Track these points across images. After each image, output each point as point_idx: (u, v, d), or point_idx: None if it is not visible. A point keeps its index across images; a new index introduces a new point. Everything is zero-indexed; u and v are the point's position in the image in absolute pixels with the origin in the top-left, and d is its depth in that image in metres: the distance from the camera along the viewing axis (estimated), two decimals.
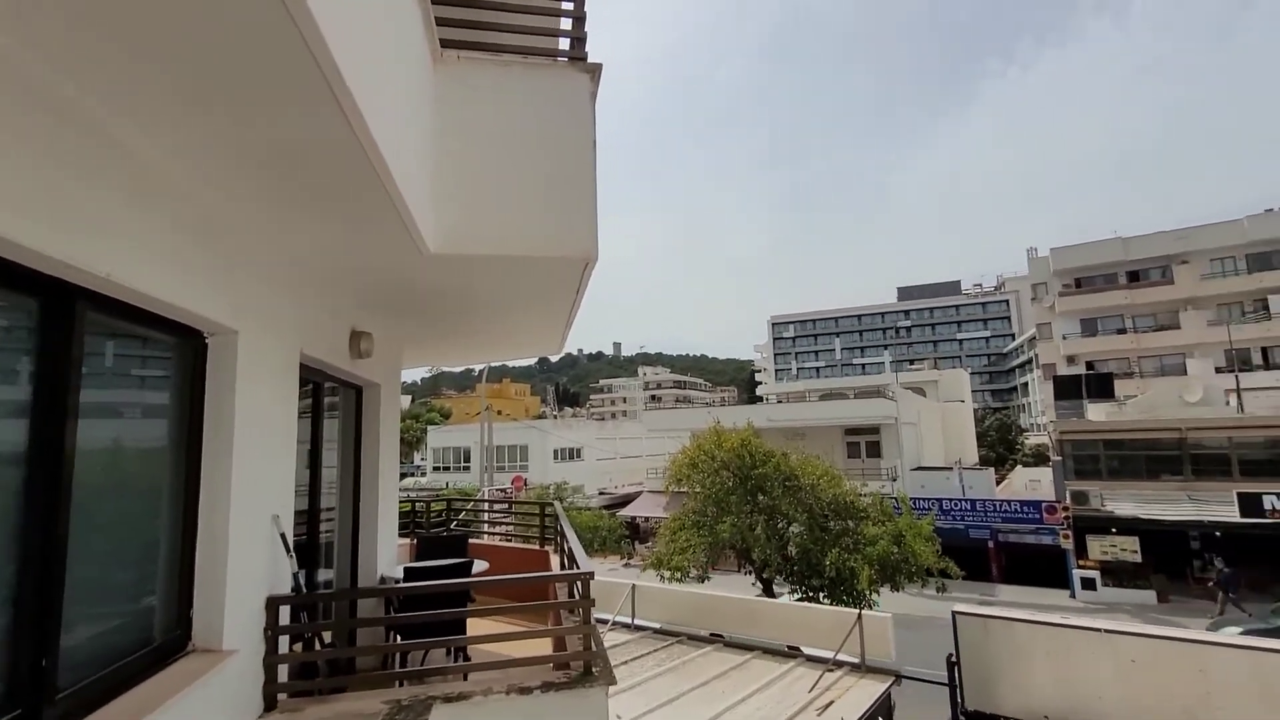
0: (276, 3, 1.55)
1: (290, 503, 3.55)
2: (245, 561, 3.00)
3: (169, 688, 2.43)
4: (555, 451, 40.09)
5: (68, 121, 1.95)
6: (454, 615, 4.13)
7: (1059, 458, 24.59)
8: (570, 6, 4.00)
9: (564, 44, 4.18)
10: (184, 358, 2.84)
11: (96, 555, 2.34)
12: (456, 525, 10.19)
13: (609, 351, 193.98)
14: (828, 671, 8.20)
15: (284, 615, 3.32)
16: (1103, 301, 40.78)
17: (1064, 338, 41.89)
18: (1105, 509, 22.66)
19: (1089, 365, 38.72)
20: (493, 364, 21.23)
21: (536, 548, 7.80)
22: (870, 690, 7.73)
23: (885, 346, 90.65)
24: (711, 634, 9.78)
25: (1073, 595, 22.58)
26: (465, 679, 3.87)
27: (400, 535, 6.92)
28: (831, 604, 13.35)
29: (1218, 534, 21.04)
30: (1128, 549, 21.94)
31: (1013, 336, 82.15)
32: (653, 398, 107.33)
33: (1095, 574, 22.24)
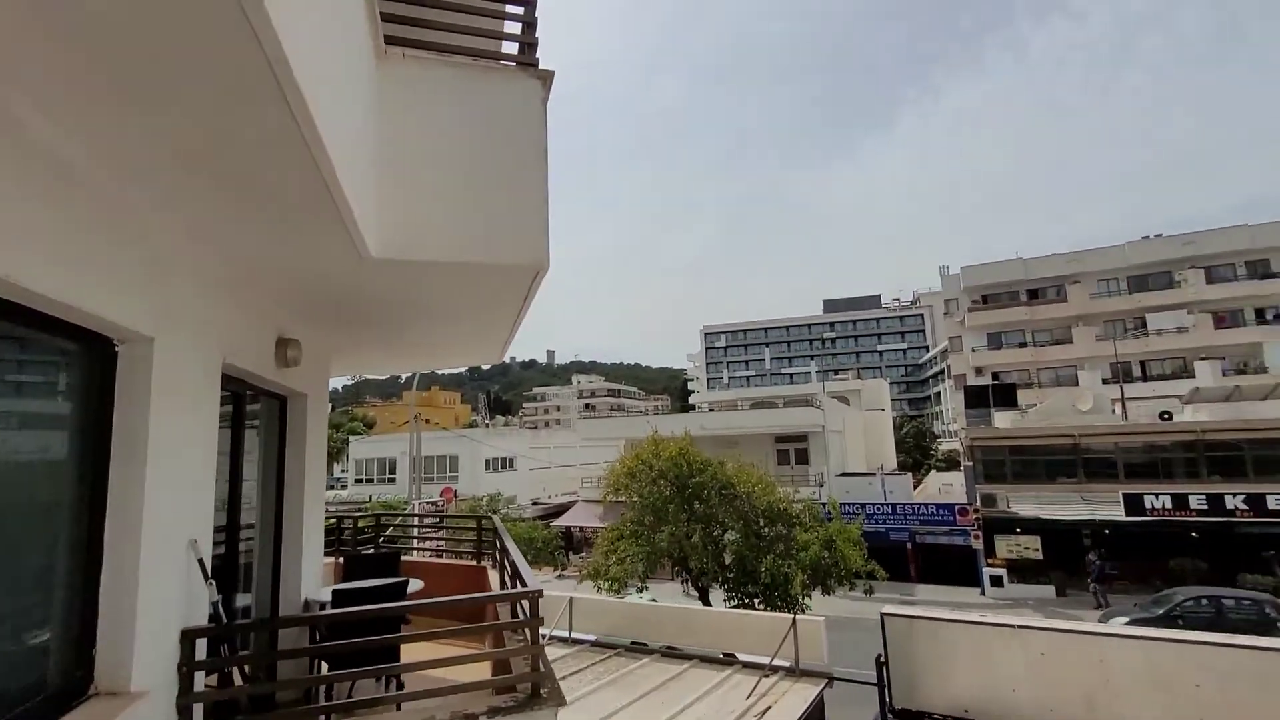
0: None
1: (209, 526, 3.26)
2: (158, 591, 2.71)
3: None
4: (487, 462, 39.11)
5: None
6: (386, 642, 3.89)
7: (969, 463, 26.22)
8: (521, 11, 3.92)
9: (508, 47, 4.09)
10: (89, 367, 2.55)
11: None
12: (385, 541, 9.72)
13: (542, 359, 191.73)
14: (764, 677, 8.33)
15: (200, 649, 3.03)
16: (1006, 317, 44.01)
17: (973, 350, 44.89)
18: (1011, 510, 24.33)
19: (995, 376, 41.58)
20: (421, 372, 20.47)
21: (473, 563, 7.53)
22: (805, 694, 7.91)
23: (812, 357, 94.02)
24: (633, 642, 9.76)
25: (983, 592, 24.05)
26: (399, 709, 3.66)
27: (325, 554, 6.51)
28: (766, 609, 13.62)
29: (1106, 531, 23.01)
30: (1031, 548, 23.62)
31: (927, 348, 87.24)
32: (587, 406, 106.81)
33: (1003, 571, 23.79)
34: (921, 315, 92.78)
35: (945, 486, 33.78)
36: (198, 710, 3.00)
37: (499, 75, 3.57)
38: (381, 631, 4.01)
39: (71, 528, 2.47)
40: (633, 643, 9.69)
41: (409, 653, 4.36)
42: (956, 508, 26.01)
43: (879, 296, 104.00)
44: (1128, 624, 14.99)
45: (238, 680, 3.48)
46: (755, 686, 8.07)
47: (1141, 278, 40.85)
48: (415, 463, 19.78)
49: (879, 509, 26.95)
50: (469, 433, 44.58)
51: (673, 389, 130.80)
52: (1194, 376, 34.08)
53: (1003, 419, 28.96)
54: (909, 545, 26.41)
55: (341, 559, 6.98)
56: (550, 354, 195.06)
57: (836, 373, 71.31)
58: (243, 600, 4.45)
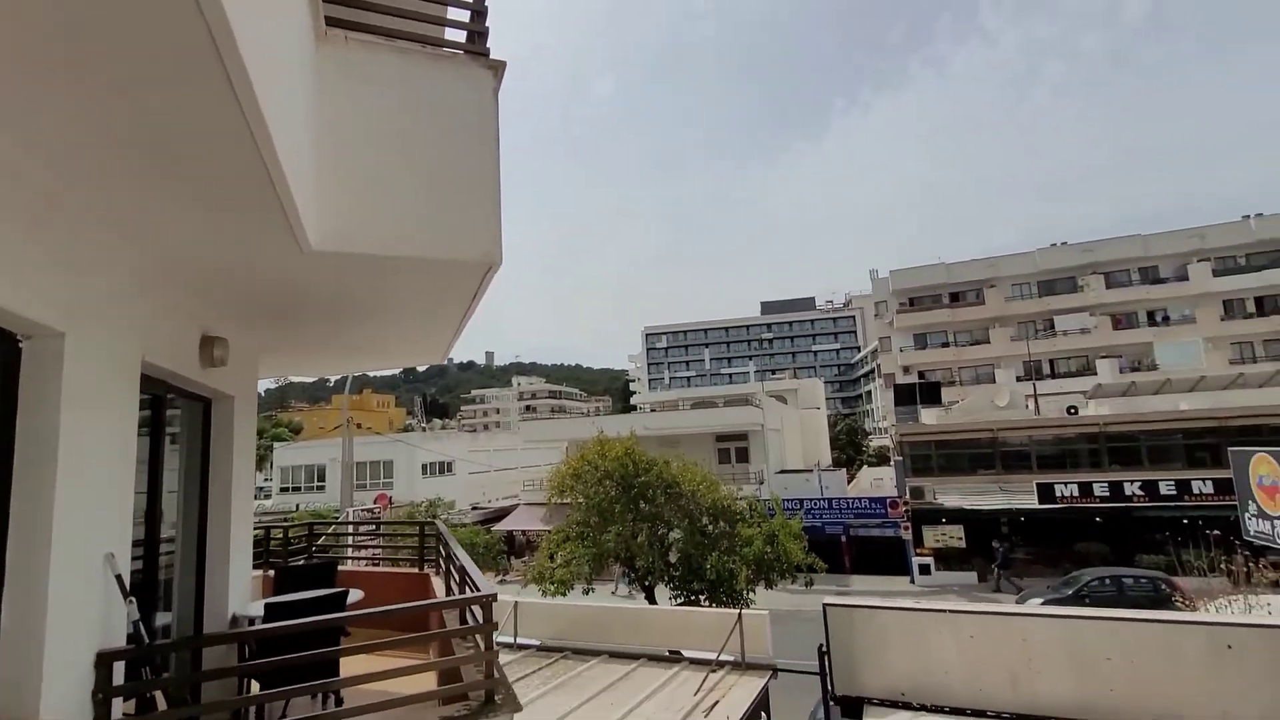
0: None
1: (128, 539, 2.99)
2: (70, 611, 2.46)
3: None
4: (424, 466, 37.93)
5: None
6: (322, 656, 3.67)
7: (899, 457, 27.47)
8: None
9: (456, 35, 3.97)
10: None
11: None
12: (318, 551, 9.24)
13: (481, 361, 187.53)
14: (711, 672, 8.43)
15: (119, 672, 2.78)
16: (931, 319, 46.44)
17: (901, 350, 47.11)
18: (937, 502, 25.64)
19: (921, 375, 43.76)
20: (355, 373, 19.64)
21: (416, 571, 7.27)
22: (751, 687, 8.06)
23: (750, 357, 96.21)
24: (569, 649, 9.68)
25: (912, 580, 25.23)
26: None
27: (253, 567, 6.12)
28: (713, 605, 13.80)
29: (1022, 519, 24.59)
30: (955, 537, 24.97)
31: (859, 349, 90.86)
32: (527, 408, 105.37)
33: (930, 560, 25.04)
34: (853, 317, 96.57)
35: (876, 481, 35.27)
36: None
37: (448, 63, 3.45)
38: (319, 645, 3.79)
39: None
40: (571, 649, 9.61)
41: (349, 667, 4.13)
42: (888, 500, 27.18)
43: (814, 299, 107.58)
44: (1043, 604, 16.08)
45: (161, 705, 3.20)
46: (703, 682, 8.16)
47: (1049, 282, 43.97)
48: (347, 469, 18.93)
49: (815, 504, 27.83)
50: (405, 437, 43.12)
51: (614, 390, 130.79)
52: (1096, 374, 37.00)
53: (929, 415, 30.51)
54: (844, 538, 27.39)
55: (271, 572, 6.59)
56: (489, 355, 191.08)
57: (774, 372, 73.26)
58: (164, 619, 4.12)
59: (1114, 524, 23.06)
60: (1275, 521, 6.36)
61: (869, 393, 79.21)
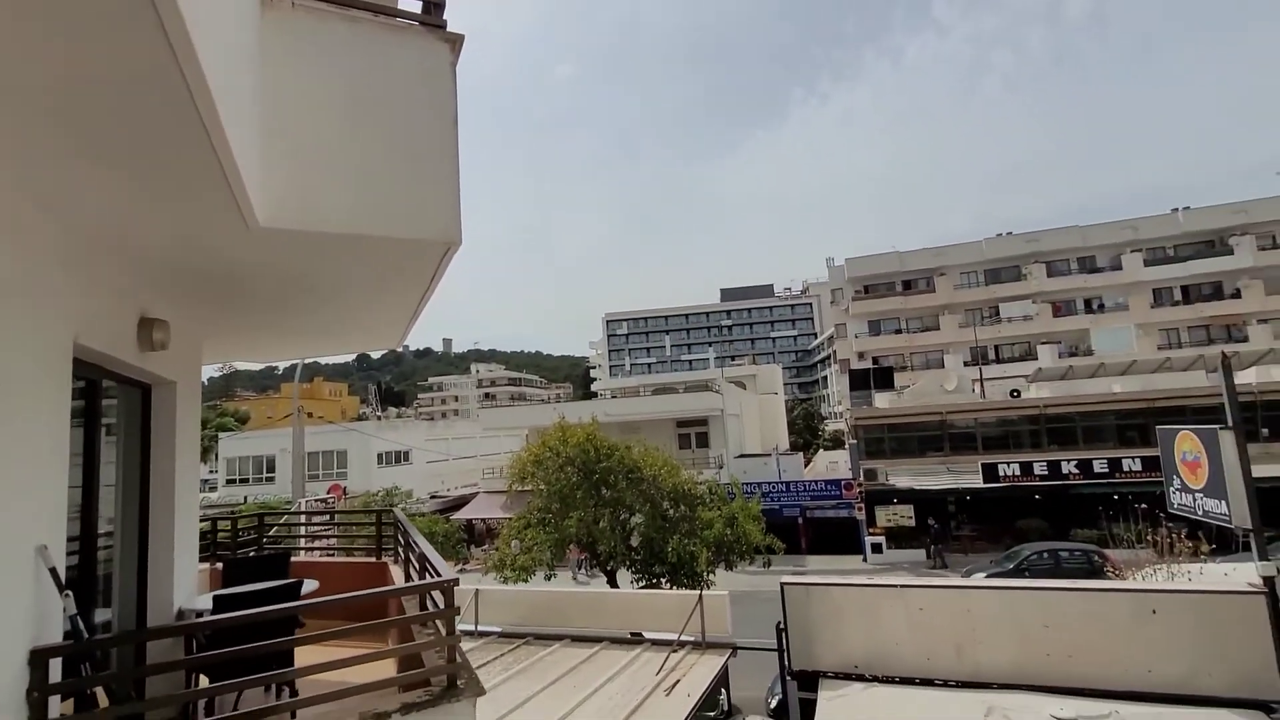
0: None
1: (61, 530, 2.83)
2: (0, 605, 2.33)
3: None
4: (380, 456, 37.10)
5: None
6: (275, 647, 3.56)
7: (854, 441, 28.28)
8: None
9: (406, 3, 3.83)
10: None
11: None
12: (269, 543, 8.96)
13: (438, 348, 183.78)
14: (673, 652, 8.58)
15: (55, 670, 2.64)
16: (884, 306, 47.74)
17: (856, 337, 48.33)
18: (889, 483, 26.54)
19: (875, 360, 45.01)
20: (306, 360, 18.98)
21: (374, 560, 7.13)
22: (711, 665, 8.24)
23: (710, 344, 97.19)
24: (531, 634, 9.70)
25: (865, 559, 26.13)
26: (293, 717, 3.40)
27: (200, 560, 5.89)
28: (674, 588, 13.99)
29: (967, 498, 25.71)
30: (905, 516, 25.93)
31: (816, 335, 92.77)
32: (487, 395, 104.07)
33: (882, 539, 25.95)
34: (811, 304, 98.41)
35: (832, 464, 36.26)
36: None
37: (403, 35, 3.33)
38: (272, 637, 3.68)
39: None
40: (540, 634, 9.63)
41: (304, 658, 4.02)
42: (842, 483, 27.98)
43: (772, 286, 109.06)
44: (986, 578, 16.87)
45: (103, 703, 3.06)
46: (664, 662, 8.30)
47: (995, 271, 45.71)
48: (299, 459, 18.34)
49: (774, 487, 28.45)
50: (359, 426, 42.07)
51: (575, 377, 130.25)
52: (1037, 359, 38.75)
53: (882, 400, 31.45)
54: (800, 520, 28.11)
55: (220, 564, 6.37)
56: (447, 342, 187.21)
57: (734, 359, 74.15)
58: (104, 615, 3.93)
59: (1052, 501, 24.34)
60: (1196, 494, 6.79)
61: (825, 378, 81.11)
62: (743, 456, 31.78)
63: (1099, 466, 23.69)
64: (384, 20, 3.32)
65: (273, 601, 4.02)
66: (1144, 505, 10.88)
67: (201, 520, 7.90)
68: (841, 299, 50.37)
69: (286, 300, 4.42)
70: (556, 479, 15.30)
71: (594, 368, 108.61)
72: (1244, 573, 6.60)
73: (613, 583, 15.68)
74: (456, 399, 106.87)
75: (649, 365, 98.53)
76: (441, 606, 3.46)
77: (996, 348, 44.93)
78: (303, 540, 10.26)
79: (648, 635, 9.18)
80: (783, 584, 8.32)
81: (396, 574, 6.42)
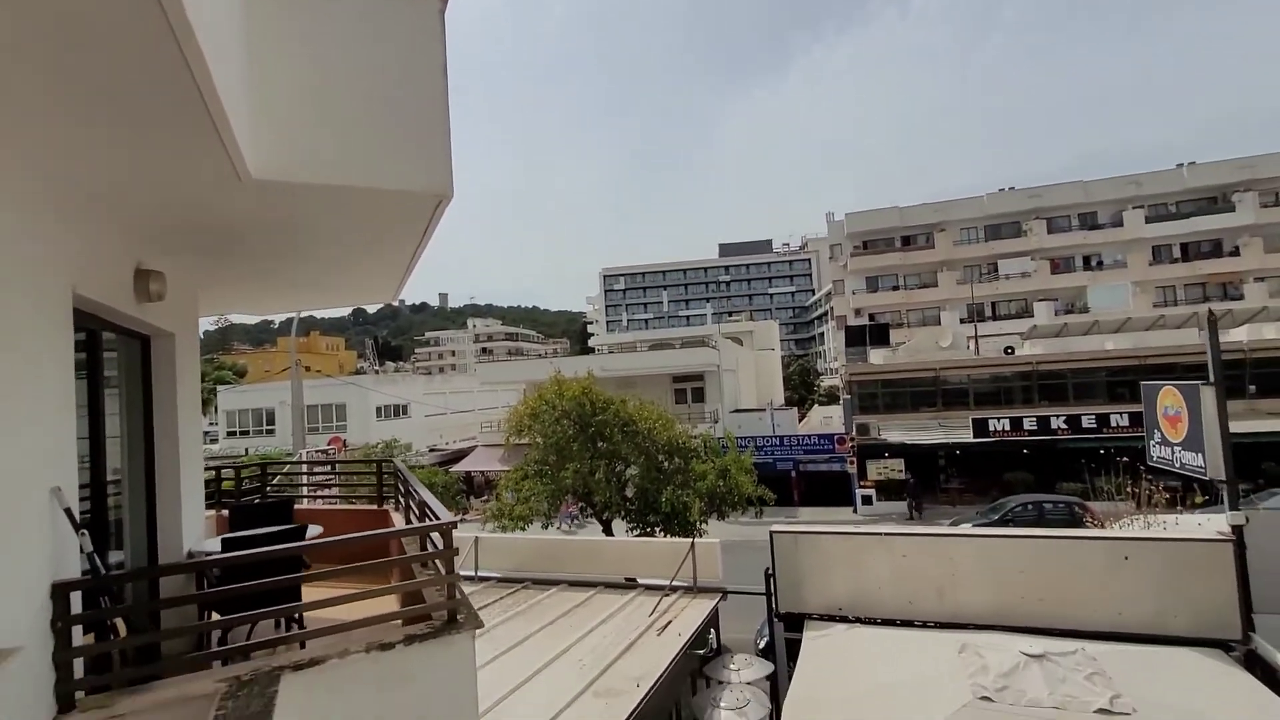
0: None
1: (73, 473, 2.94)
2: (20, 544, 2.45)
3: None
4: (379, 409, 37.44)
5: None
6: (284, 583, 3.76)
7: (848, 396, 28.61)
8: None
9: None
10: None
11: None
12: (271, 492, 9.18)
13: (434, 303, 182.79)
14: (665, 596, 8.93)
15: (76, 603, 2.80)
16: (883, 262, 47.44)
17: (853, 293, 48.19)
18: (881, 438, 26.99)
19: (871, 317, 45.09)
20: (302, 314, 18.96)
21: (375, 508, 7.34)
22: (702, 608, 8.59)
23: (707, 299, 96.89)
24: (529, 579, 10.04)
25: (855, 510, 26.79)
26: (303, 647, 3.60)
27: (205, 507, 6.07)
28: (667, 537, 14.41)
29: (957, 452, 26.21)
30: (896, 469, 26.48)
31: (814, 292, 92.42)
32: (483, 350, 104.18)
33: (872, 491, 26.58)
34: (809, 260, 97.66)
35: (826, 419, 36.78)
36: (79, 666, 2.80)
37: None
38: (279, 574, 3.86)
39: None
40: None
41: (310, 596, 4.23)
42: (835, 437, 28.45)
43: (770, 241, 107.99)
44: (971, 528, 17.39)
45: (122, 635, 3.25)
46: (657, 605, 8.65)
47: (996, 227, 45.29)
48: (298, 412, 18.53)
49: (768, 441, 28.92)
50: (357, 379, 42.26)
51: (572, 332, 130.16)
52: (1033, 316, 38.83)
53: (877, 356, 31.66)
54: (793, 473, 28.69)
55: (225, 511, 6.56)
56: (443, 297, 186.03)
57: (731, 314, 74.09)
58: (116, 558, 4.10)
59: (1040, 455, 24.85)
60: (1175, 448, 7.00)
61: (822, 335, 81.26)
62: (738, 411, 32.17)
63: (1087, 422, 24.09)
64: None
65: (279, 544, 4.19)
66: (1125, 459, 11.16)
67: (205, 470, 8.09)
68: (840, 255, 49.99)
69: (280, 252, 4.43)
70: (553, 431, 15.56)
71: (591, 323, 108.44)
72: (1217, 523, 6.86)
73: (608, 532, 16.13)
74: (454, 354, 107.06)
75: (646, 321, 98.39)
76: (441, 548, 3.63)
77: (994, 305, 44.95)
78: (305, 490, 10.49)
79: (641, 580, 9.53)
80: (772, 532, 8.62)
81: (397, 520, 6.63)
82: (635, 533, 15.43)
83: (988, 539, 7.75)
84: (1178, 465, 7.19)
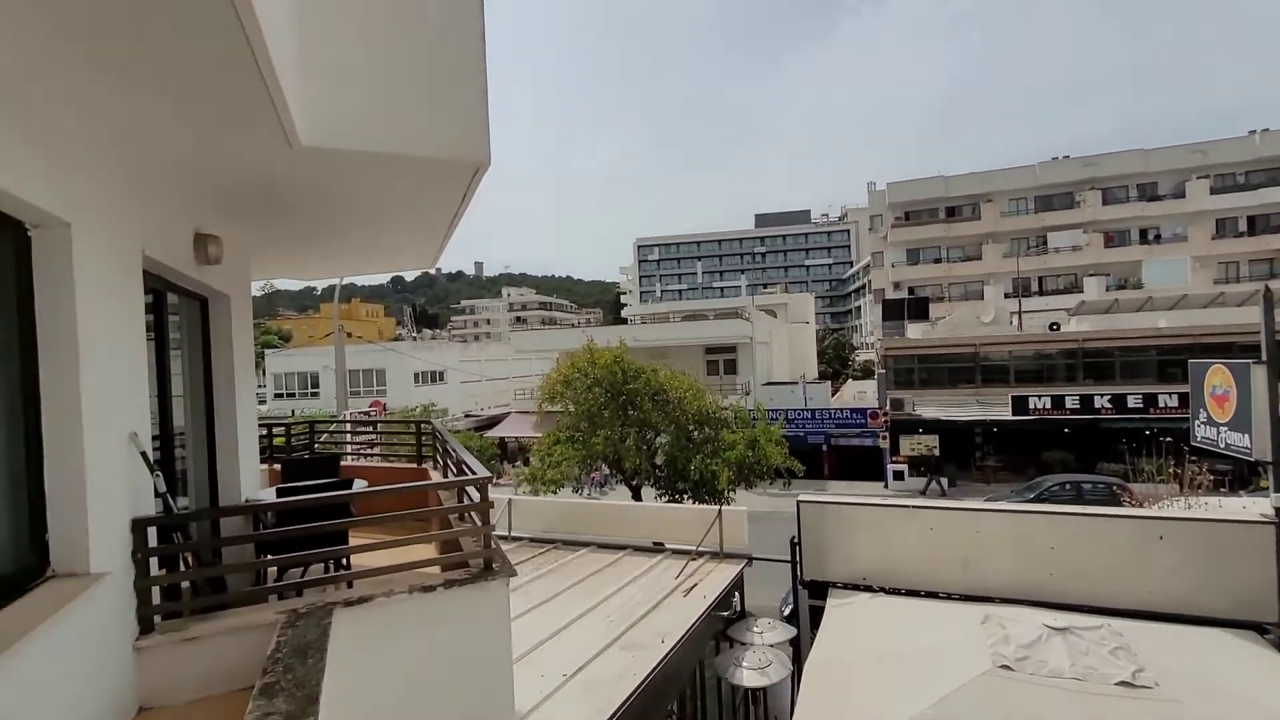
0: None
1: (147, 420, 3.22)
2: (105, 481, 2.72)
3: (33, 614, 2.23)
4: (416, 375, 38.45)
5: None
6: (334, 527, 4.06)
7: (883, 371, 28.18)
8: None
9: None
10: (2, 253, 2.40)
11: None
12: (319, 449, 9.66)
13: (470, 271, 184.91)
14: (691, 560, 9.16)
15: (152, 538, 3.09)
16: (925, 233, 45.99)
17: (893, 265, 46.97)
18: (915, 413, 26.61)
19: (911, 290, 43.97)
20: (343, 281, 19.52)
21: (414, 466, 7.69)
22: (727, 573, 8.79)
23: (742, 271, 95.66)
24: (560, 540, 10.36)
25: (886, 486, 26.63)
26: (350, 587, 3.88)
27: (259, 461, 6.46)
28: (695, 504, 14.65)
29: (995, 430, 25.69)
30: (929, 445, 26.14)
31: (851, 264, 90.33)
32: (518, 319, 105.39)
33: (904, 467, 26.33)
34: (848, 231, 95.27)
35: (860, 394, 36.33)
36: (155, 594, 3.10)
37: None
38: (329, 520, 4.15)
39: (5, 417, 2.41)
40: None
41: (355, 543, 4.54)
42: (868, 412, 28.15)
43: (809, 212, 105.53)
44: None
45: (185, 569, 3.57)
46: (683, 568, 8.88)
47: (1047, 197, 43.34)
48: (341, 376, 19.23)
49: (799, 414, 28.81)
50: (396, 346, 43.38)
51: (605, 302, 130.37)
52: (1082, 291, 37.33)
53: (915, 330, 30.99)
54: (824, 447, 28.58)
55: (278, 465, 6.96)
56: (479, 266, 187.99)
57: (765, 286, 73.13)
58: (182, 503, 4.44)
59: (1081, 435, 24.19)
60: (1221, 428, 6.80)
61: (859, 308, 79.64)
62: (770, 384, 32.04)
63: (1134, 402, 23.29)
64: None
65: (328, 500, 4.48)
66: (1169, 439, 10.84)
67: (258, 428, 8.55)
68: (880, 226, 48.64)
69: (325, 218, 4.63)
70: (585, 399, 15.83)
71: (624, 293, 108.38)
72: (1262, 507, 6.69)
73: (638, 498, 16.45)
74: (489, 322, 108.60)
75: (680, 292, 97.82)
76: (477, 500, 3.84)
77: (1040, 279, 43.31)
78: (349, 448, 10.99)
79: (669, 545, 9.77)
80: (799, 501, 8.72)
81: (436, 478, 6.94)
82: (664, 499, 15.71)
83: (1017, 514, 7.69)
84: (1222, 446, 6.99)
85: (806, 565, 8.51)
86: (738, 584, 8.94)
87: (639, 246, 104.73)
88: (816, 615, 7.73)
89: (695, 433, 15.91)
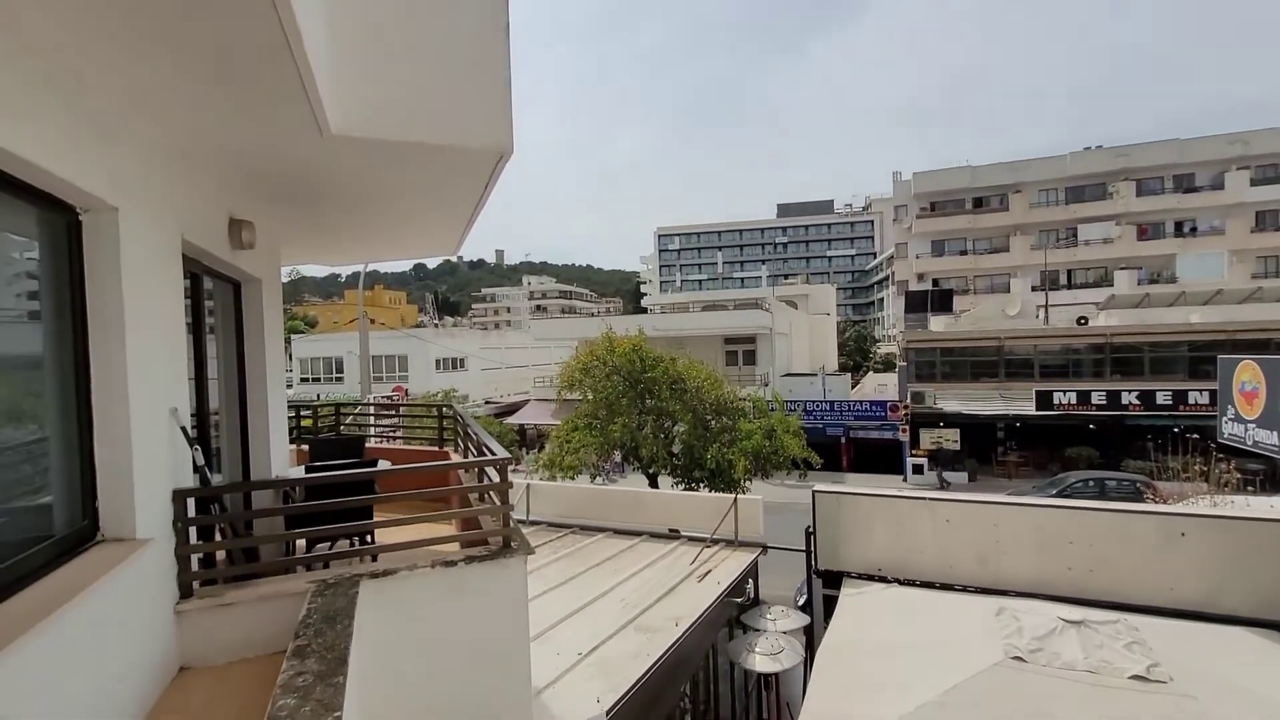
0: None
1: (186, 397, 3.38)
2: (149, 453, 2.88)
3: (86, 574, 2.39)
4: (438, 361, 38.97)
5: None
6: (360, 503, 4.22)
7: (904, 363, 27.89)
8: None
9: None
10: (55, 236, 2.54)
11: None
12: (345, 431, 9.91)
13: (491, 260, 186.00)
14: (706, 548, 9.26)
15: (190, 509, 3.26)
16: (951, 225, 45.17)
17: (917, 257, 46.25)
18: (937, 407, 26.33)
19: (935, 282, 43.30)
20: (368, 268, 19.84)
21: (436, 449, 7.88)
22: (742, 560, 8.88)
23: (763, 261, 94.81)
24: (577, 525, 10.50)
25: (905, 479, 26.45)
26: (375, 560, 4.04)
27: (289, 443, 6.68)
28: (711, 492, 14.74)
29: (1018, 424, 25.33)
30: (950, 439, 25.87)
31: (875, 255, 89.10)
32: (538, 308, 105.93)
33: (924, 460, 26.12)
34: (871, 221, 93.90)
35: (880, 386, 35.99)
36: (194, 561, 3.27)
37: None
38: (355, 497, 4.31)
39: (60, 391, 2.57)
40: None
41: (379, 519, 4.71)
42: (888, 404, 27.92)
43: (831, 202, 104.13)
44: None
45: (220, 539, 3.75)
46: (698, 555, 8.99)
47: (1078, 188, 42.26)
48: (365, 361, 19.61)
49: (818, 406, 28.67)
50: (418, 332, 43.95)
51: (625, 291, 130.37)
52: (1113, 285, 36.45)
53: (938, 323, 30.58)
54: (843, 439, 28.44)
55: (305, 446, 7.18)
56: (500, 254, 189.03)
57: (787, 277, 72.47)
58: (216, 480, 4.63)
59: (1106, 431, 23.75)
60: (1248, 425, 6.69)
61: (881, 300, 78.64)
62: (789, 375, 31.90)
63: (1163, 398, 22.79)
64: None
65: (354, 477, 4.65)
66: (1196, 435, 10.63)
67: (287, 409, 8.80)
68: (905, 216, 47.87)
69: (352, 205, 4.76)
70: (603, 387, 15.98)
71: (644, 283, 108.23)
72: None
73: (654, 485, 16.60)
74: (509, 310, 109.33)
75: (700, 282, 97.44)
76: (497, 481, 3.96)
77: (1069, 272, 42.36)
78: (372, 431, 11.25)
79: (684, 532, 9.88)
80: (814, 491, 8.75)
81: (456, 460, 7.11)
82: (680, 488, 15.83)
83: (1036, 508, 7.64)
84: (1249, 442, 6.89)
85: (821, 555, 8.55)
86: (752, 571, 9.02)
87: (659, 236, 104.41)
88: (830, 604, 7.77)
89: (712, 422, 15.97)
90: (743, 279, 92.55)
